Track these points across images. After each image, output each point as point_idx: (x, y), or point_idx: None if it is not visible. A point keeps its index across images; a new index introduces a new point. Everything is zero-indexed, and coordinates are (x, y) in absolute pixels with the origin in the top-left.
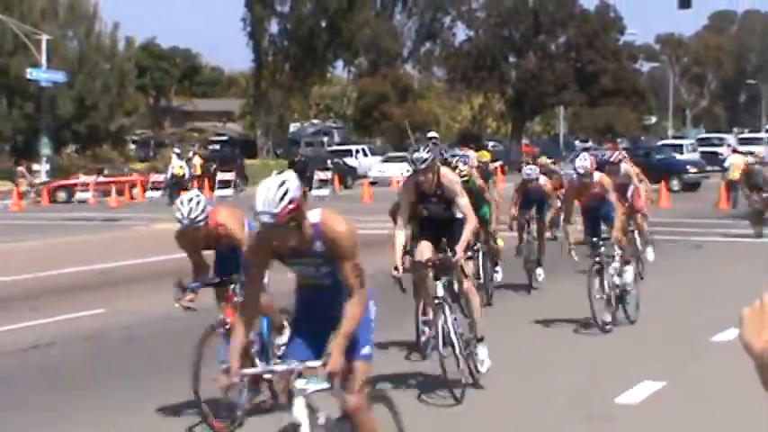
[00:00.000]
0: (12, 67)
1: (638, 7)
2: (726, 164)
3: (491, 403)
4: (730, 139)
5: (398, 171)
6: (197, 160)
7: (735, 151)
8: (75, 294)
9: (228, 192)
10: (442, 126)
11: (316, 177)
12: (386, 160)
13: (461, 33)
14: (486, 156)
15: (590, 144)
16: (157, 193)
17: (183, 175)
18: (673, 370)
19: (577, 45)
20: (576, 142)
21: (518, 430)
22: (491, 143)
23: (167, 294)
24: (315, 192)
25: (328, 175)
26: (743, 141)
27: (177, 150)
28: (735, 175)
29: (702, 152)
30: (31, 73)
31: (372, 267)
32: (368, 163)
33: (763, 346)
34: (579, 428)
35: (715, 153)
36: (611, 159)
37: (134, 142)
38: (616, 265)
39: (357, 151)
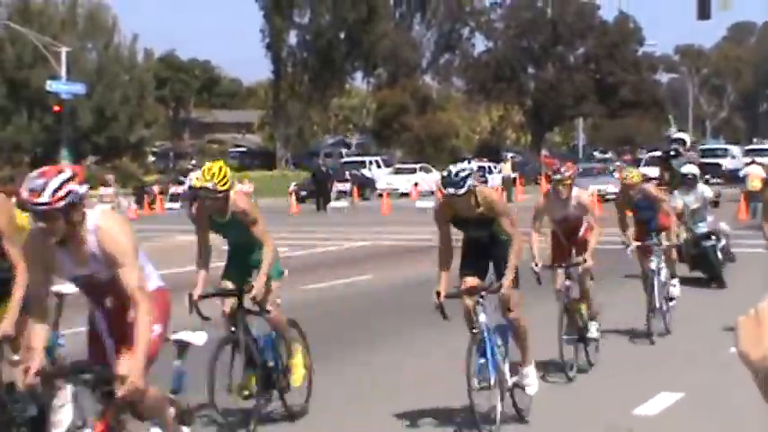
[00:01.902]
0: (31, 80)
1: (657, 18)
2: (741, 173)
3: (507, 413)
4: (734, 150)
5: (407, 183)
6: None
7: (753, 162)
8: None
9: (344, 203)
10: (461, 137)
11: (334, 189)
12: (395, 172)
13: (480, 44)
14: None
15: (609, 155)
16: (177, 205)
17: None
18: (690, 382)
19: (596, 56)
20: (596, 153)
21: None
22: (510, 154)
23: (184, 307)
24: (333, 203)
25: (347, 186)
26: (751, 152)
27: (193, 162)
28: (754, 185)
29: (705, 163)
30: (51, 85)
31: (399, 277)
32: (381, 175)
33: (761, 355)
34: None
35: (718, 165)
36: None
37: (153, 154)
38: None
39: (371, 162)
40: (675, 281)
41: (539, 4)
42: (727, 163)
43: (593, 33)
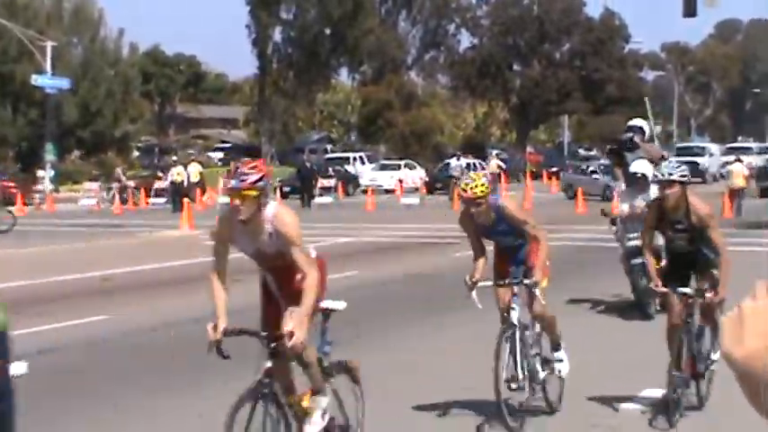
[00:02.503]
0: (16, 74)
1: (643, 15)
2: (724, 171)
3: (491, 409)
4: (713, 148)
5: (391, 180)
6: (194, 167)
7: (737, 160)
8: (78, 301)
9: (329, 199)
10: (446, 134)
11: (318, 185)
12: (379, 168)
13: (466, 41)
14: None
15: (594, 152)
16: (161, 200)
17: (182, 182)
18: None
19: (582, 53)
20: (581, 151)
21: None
22: (495, 151)
23: (170, 301)
24: (318, 199)
25: (331, 182)
26: (732, 150)
27: (174, 158)
28: (736, 182)
29: (681, 162)
30: (36, 79)
31: (384, 273)
32: (365, 171)
33: (743, 354)
34: None
35: (695, 163)
36: None
37: (138, 149)
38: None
39: (355, 159)
40: (561, 353)
41: (525, 1)
42: (705, 162)
43: (578, 30)
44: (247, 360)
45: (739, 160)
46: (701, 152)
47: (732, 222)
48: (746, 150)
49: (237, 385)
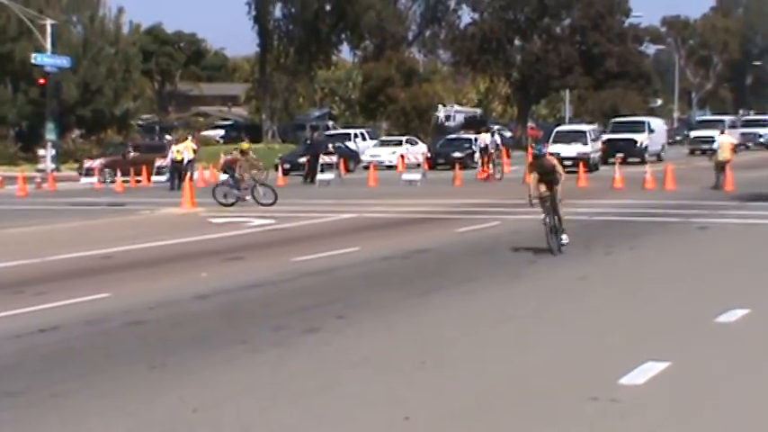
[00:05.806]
0: (16, 53)
1: None
2: (714, 145)
3: (492, 384)
4: (653, 123)
5: (392, 156)
6: (183, 145)
7: (722, 133)
8: (80, 279)
9: (330, 176)
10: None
11: (320, 161)
12: (380, 144)
13: (466, 16)
14: None
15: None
16: (162, 178)
17: (182, 160)
18: (677, 351)
19: (582, 28)
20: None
21: (520, 411)
22: (497, 126)
23: (171, 279)
24: (320, 176)
25: (333, 158)
26: (702, 124)
27: (169, 137)
28: (725, 155)
29: (616, 139)
30: (36, 58)
31: (386, 249)
32: (366, 147)
33: None
34: (584, 409)
35: (632, 141)
36: None
37: (140, 126)
38: None
39: (356, 135)
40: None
41: None
42: (643, 138)
43: (578, 4)
44: (243, 344)
45: (723, 133)
46: (639, 128)
47: (733, 195)
48: (718, 123)
49: (236, 359)
